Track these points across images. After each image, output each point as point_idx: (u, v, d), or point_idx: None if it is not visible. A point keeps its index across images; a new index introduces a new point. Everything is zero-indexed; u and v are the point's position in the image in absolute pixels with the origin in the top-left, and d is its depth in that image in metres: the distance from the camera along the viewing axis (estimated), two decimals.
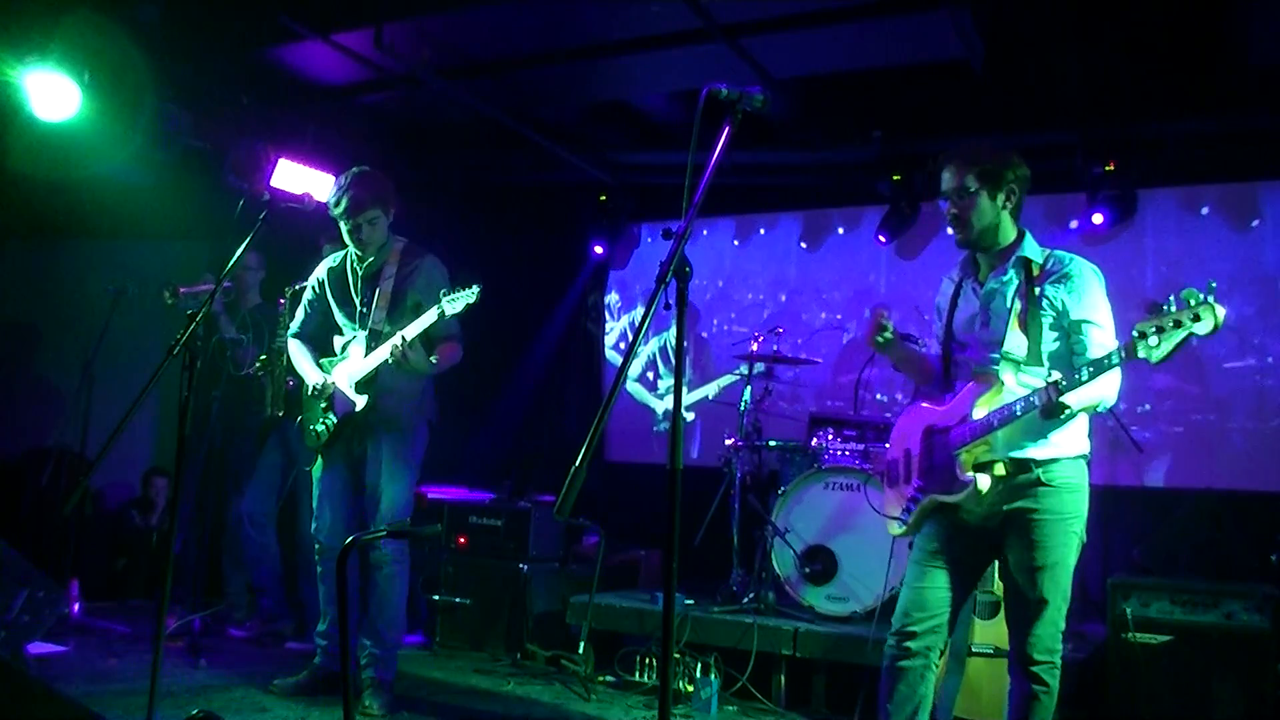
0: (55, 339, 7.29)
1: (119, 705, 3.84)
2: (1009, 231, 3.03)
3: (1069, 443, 2.93)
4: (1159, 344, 2.51)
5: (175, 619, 5.08)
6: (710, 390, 6.51)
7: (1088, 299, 2.91)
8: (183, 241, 6.92)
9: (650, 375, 7.56)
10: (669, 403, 7.27)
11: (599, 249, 7.47)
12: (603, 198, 7.40)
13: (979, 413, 2.92)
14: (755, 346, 5.60)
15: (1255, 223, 5.92)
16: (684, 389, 2.83)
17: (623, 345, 7.71)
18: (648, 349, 7.58)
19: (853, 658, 4.43)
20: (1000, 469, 2.91)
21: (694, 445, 7.16)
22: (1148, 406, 5.98)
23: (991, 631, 3.99)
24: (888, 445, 3.40)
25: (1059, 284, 2.93)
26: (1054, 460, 2.90)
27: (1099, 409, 2.89)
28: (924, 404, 3.21)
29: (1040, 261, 2.99)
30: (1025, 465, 2.90)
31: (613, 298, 7.85)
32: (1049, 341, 2.93)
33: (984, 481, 2.91)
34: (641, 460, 7.24)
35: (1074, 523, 2.92)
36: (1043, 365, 2.90)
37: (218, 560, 5.82)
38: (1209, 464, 5.84)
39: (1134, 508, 5.82)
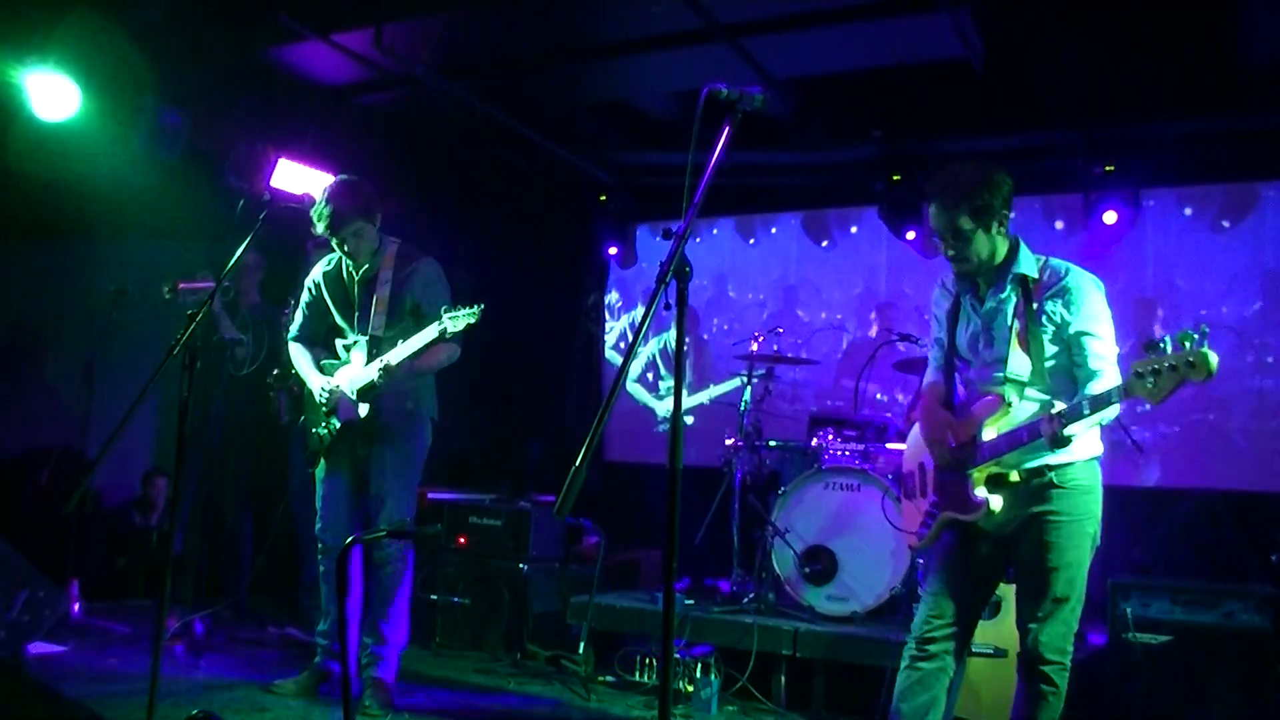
0: (55, 339, 7.28)
1: (119, 705, 3.84)
2: (1001, 250, 3.03)
3: (1081, 447, 2.94)
4: (1155, 386, 2.55)
5: (175, 619, 5.08)
6: (704, 397, 6.51)
7: (1086, 311, 2.91)
8: (183, 241, 6.92)
9: (650, 376, 7.56)
10: (669, 403, 7.26)
11: (613, 250, 7.48)
12: (603, 198, 7.40)
13: (988, 434, 2.95)
14: (755, 347, 5.60)
15: (1255, 223, 5.92)
16: (684, 391, 2.82)
17: (623, 345, 7.71)
18: (648, 349, 7.58)
19: (853, 658, 4.43)
20: (1015, 476, 2.94)
21: (694, 445, 7.16)
22: (1148, 406, 5.94)
23: (992, 631, 3.99)
24: (903, 447, 3.42)
25: (1057, 298, 2.93)
26: (1067, 465, 2.92)
27: (1104, 423, 2.90)
28: (939, 416, 3.20)
29: (1036, 275, 2.98)
30: (1039, 472, 2.93)
31: (613, 297, 7.85)
32: (1049, 357, 2.94)
33: (996, 503, 2.95)
34: (641, 460, 7.24)
35: (1088, 524, 2.93)
36: (1045, 382, 2.93)
37: (218, 560, 5.81)
38: (1209, 464, 5.84)
39: (1134, 508, 5.81)
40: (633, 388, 7.54)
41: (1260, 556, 4.80)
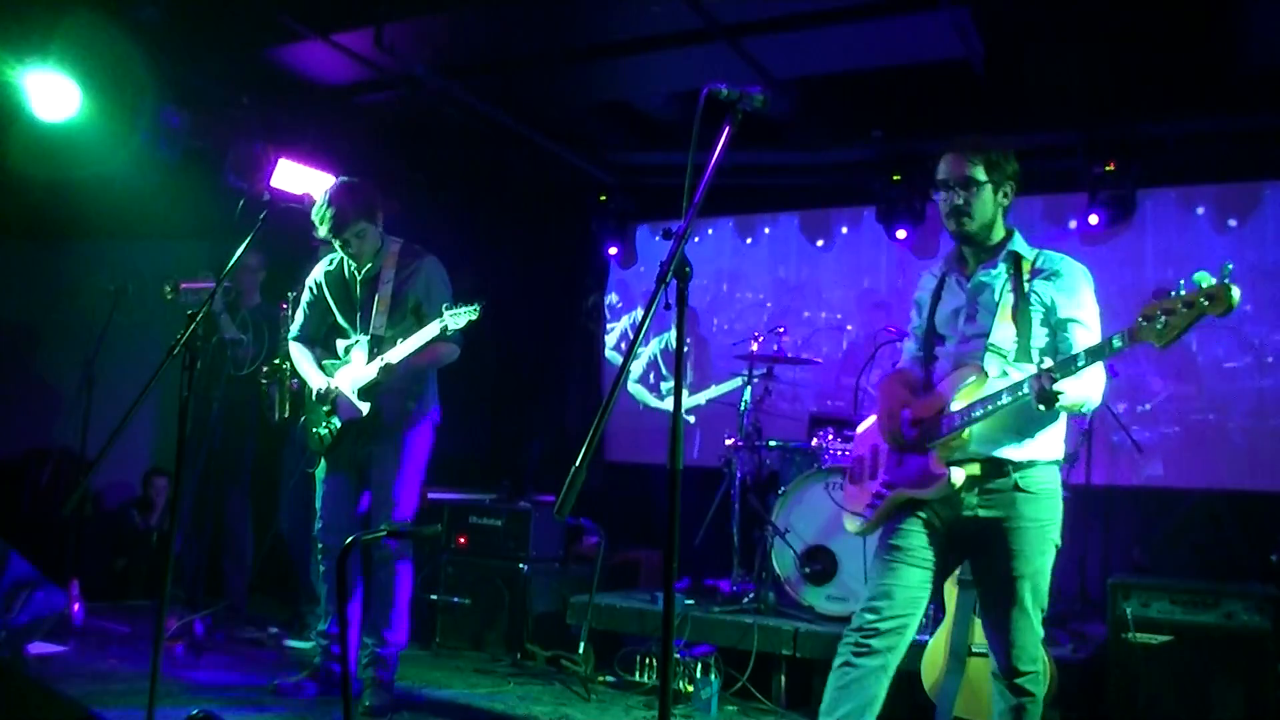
0: (55, 339, 7.29)
1: (119, 705, 3.84)
2: (1000, 228, 2.99)
3: (1046, 446, 2.86)
4: (1165, 326, 2.43)
5: (175, 619, 5.08)
6: (701, 399, 6.52)
7: (1077, 297, 2.86)
8: (183, 241, 6.92)
9: (652, 377, 7.56)
10: (670, 404, 7.27)
11: (613, 250, 7.49)
12: (603, 198, 7.40)
13: (958, 405, 2.83)
14: (755, 347, 5.60)
15: (1255, 223, 5.92)
16: (684, 391, 2.80)
17: (623, 346, 7.71)
18: (649, 350, 7.58)
19: None
20: (975, 469, 2.83)
21: (694, 445, 7.16)
22: (1148, 406, 5.97)
23: None
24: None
25: (1049, 280, 2.88)
26: (1030, 465, 2.83)
27: (1083, 410, 2.80)
28: (896, 393, 3.06)
29: (1030, 259, 2.93)
30: (1001, 468, 2.83)
31: (613, 298, 7.85)
32: (1039, 337, 2.87)
33: (958, 475, 2.81)
34: (641, 460, 7.24)
35: (1051, 529, 2.85)
36: (1030, 360, 2.84)
37: (218, 560, 5.82)
38: (1209, 464, 5.84)
39: (1134, 508, 5.82)
40: (634, 388, 7.54)
41: (1260, 556, 4.80)
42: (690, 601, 5.09)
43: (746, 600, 5.08)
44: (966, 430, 2.81)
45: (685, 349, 2.24)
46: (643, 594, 5.43)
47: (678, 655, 4.57)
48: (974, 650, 4.00)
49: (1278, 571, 4.57)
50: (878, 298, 6.86)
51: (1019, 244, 2.97)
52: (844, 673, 2.85)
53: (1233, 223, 5.95)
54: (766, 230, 7.32)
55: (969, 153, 2.91)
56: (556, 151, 6.83)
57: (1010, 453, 2.83)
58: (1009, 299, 2.88)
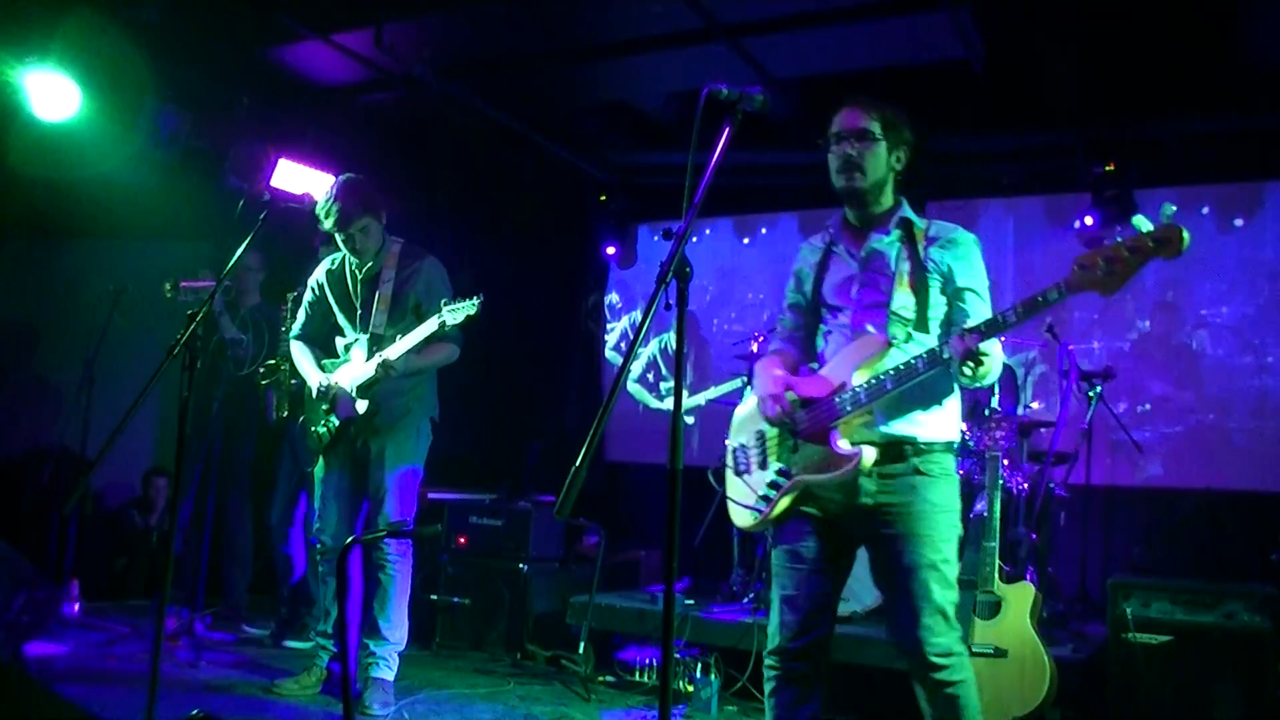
0: (55, 339, 7.29)
1: (119, 705, 3.84)
2: (890, 196, 2.87)
3: (946, 425, 2.75)
4: (1109, 274, 2.35)
5: (175, 619, 5.08)
6: (701, 399, 6.51)
7: (973, 267, 2.78)
8: (183, 241, 6.93)
9: (651, 377, 7.56)
10: (669, 404, 7.26)
11: (611, 249, 7.49)
12: (603, 198, 7.40)
13: (861, 377, 2.67)
14: (755, 347, 5.60)
15: (1255, 223, 5.92)
16: (684, 391, 2.77)
17: (623, 345, 7.71)
18: (648, 350, 7.58)
19: (853, 658, 4.42)
20: (875, 453, 2.67)
21: (694, 446, 7.16)
22: (1148, 406, 5.98)
23: (991, 631, 3.98)
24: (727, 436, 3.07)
25: (945, 249, 2.78)
26: (929, 449, 2.71)
27: (986, 381, 2.63)
28: (778, 374, 2.87)
29: (923, 227, 2.83)
30: (900, 452, 2.68)
31: (613, 298, 7.85)
32: (938, 306, 2.76)
33: (870, 454, 2.64)
34: (641, 460, 7.24)
35: (953, 514, 2.73)
36: (928, 330, 2.73)
37: (218, 560, 5.81)
38: (1209, 464, 5.84)
39: (1134, 508, 5.82)
40: (633, 388, 7.53)
41: (1260, 556, 4.80)
42: (690, 601, 5.09)
43: (747, 600, 5.08)
44: (872, 405, 2.67)
45: (684, 349, 2.24)
46: (643, 594, 5.43)
47: (676, 655, 4.58)
48: (973, 650, 4.01)
49: (1278, 571, 4.58)
50: None
51: (909, 212, 2.88)
52: (777, 700, 2.75)
53: (1238, 223, 5.95)
54: (764, 230, 7.32)
55: (866, 107, 2.86)
56: (556, 151, 6.83)
57: (913, 429, 2.70)
58: (906, 267, 2.76)
